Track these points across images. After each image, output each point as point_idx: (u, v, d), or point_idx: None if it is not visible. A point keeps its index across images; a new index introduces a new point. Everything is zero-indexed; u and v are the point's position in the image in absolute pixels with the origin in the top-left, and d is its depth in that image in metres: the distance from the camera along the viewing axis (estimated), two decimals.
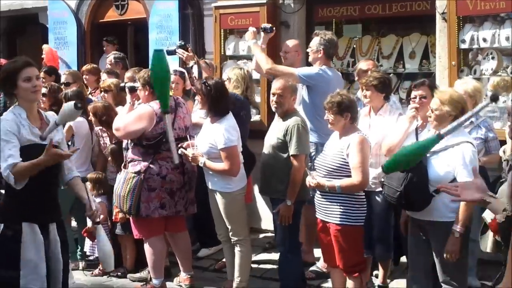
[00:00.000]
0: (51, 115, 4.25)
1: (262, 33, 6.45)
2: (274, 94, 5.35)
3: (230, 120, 5.44)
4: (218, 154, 5.32)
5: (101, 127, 6.42)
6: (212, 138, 5.36)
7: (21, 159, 3.88)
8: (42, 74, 7.82)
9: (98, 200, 6.38)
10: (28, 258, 3.95)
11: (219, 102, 5.41)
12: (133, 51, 9.68)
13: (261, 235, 7.34)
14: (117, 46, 9.20)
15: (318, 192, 5.03)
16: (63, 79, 7.45)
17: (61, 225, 4.26)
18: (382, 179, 4.67)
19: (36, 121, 4.09)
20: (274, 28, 6.49)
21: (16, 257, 3.93)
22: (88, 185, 6.28)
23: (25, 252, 3.95)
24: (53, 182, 4.24)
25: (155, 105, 5.65)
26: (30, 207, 3.99)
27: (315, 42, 6.09)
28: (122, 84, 6.32)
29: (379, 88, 5.33)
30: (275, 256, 6.00)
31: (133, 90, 5.95)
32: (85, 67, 8.04)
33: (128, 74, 6.52)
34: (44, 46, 9.99)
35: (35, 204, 4.00)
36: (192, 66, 6.60)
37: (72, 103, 4.08)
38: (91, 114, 6.34)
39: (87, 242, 6.41)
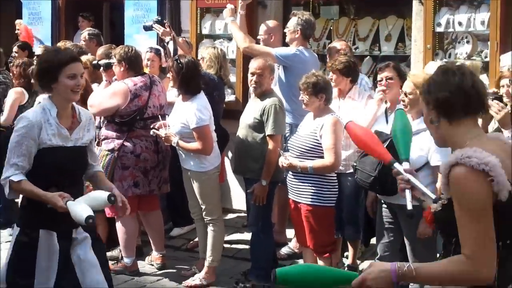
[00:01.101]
0: (84, 113, 3.83)
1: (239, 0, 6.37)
2: (253, 74, 5.33)
3: (202, 99, 5.41)
4: (191, 134, 5.29)
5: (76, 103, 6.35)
6: (184, 118, 5.33)
7: (28, 168, 3.52)
8: (15, 49, 7.73)
9: None
10: (42, 267, 3.60)
11: (190, 81, 5.37)
12: (108, 28, 9.56)
13: (233, 215, 7.34)
14: (92, 22, 9.06)
15: (290, 172, 5.05)
16: (38, 52, 7.31)
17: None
18: (354, 163, 4.68)
19: (66, 120, 3.66)
20: None
21: (32, 265, 3.60)
22: None
23: (40, 260, 3.60)
24: (78, 184, 3.84)
25: (129, 82, 5.62)
26: (50, 213, 3.50)
27: (292, 23, 6.07)
28: (95, 62, 6.23)
29: (344, 72, 5.35)
30: (247, 236, 6.02)
31: (108, 66, 5.89)
32: (61, 44, 7.90)
33: (100, 50, 6.42)
34: (17, 22, 9.84)
35: (56, 211, 3.46)
36: (168, 42, 6.54)
37: (106, 195, 3.53)
38: None
39: None
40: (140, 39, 7.94)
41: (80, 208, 3.39)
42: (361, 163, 4.54)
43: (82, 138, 3.72)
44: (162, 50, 6.79)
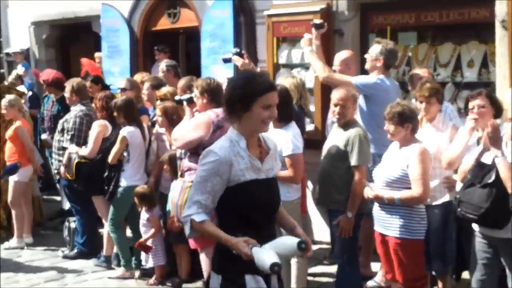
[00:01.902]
0: (270, 141, 3.51)
1: (313, 30, 6.39)
2: (336, 105, 5.29)
3: (294, 127, 5.41)
4: (281, 161, 5.26)
5: (163, 130, 6.46)
6: (277, 145, 5.30)
7: (212, 207, 3.24)
8: (88, 83, 7.92)
9: (147, 215, 6.44)
10: None
11: (283, 108, 5.35)
12: (184, 59, 9.73)
13: (315, 247, 7.25)
14: (168, 54, 9.25)
15: (376, 204, 4.95)
16: (121, 84, 7.48)
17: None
18: (457, 196, 4.54)
19: (255, 150, 3.34)
20: (325, 24, 6.43)
21: None
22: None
23: None
24: (273, 221, 3.45)
25: (212, 113, 5.65)
26: None
27: (375, 50, 6.01)
28: (177, 97, 6.30)
29: (432, 99, 5.22)
30: (331, 268, 5.92)
31: (191, 101, 5.95)
32: (139, 76, 8.07)
33: (182, 82, 6.52)
34: (96, 55, 10.17)
35: None
36: None
37: (295, 242, 3.14)
38: (160, 114, 6.36)
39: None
40: (217, 70, 8.03)
41: (267, 255, 3.06)
42: (466, 195, 4.39)
43: (273, 168, 3.42)
44: None
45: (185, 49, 9.84)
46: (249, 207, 3.24)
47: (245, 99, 3.23)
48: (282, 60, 7.68)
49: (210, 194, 3.22)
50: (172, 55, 9.26)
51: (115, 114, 6.66)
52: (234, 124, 3.33)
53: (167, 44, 9.37)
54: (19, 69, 10.69)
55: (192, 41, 9.52)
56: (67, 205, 8.32)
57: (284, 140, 5.27)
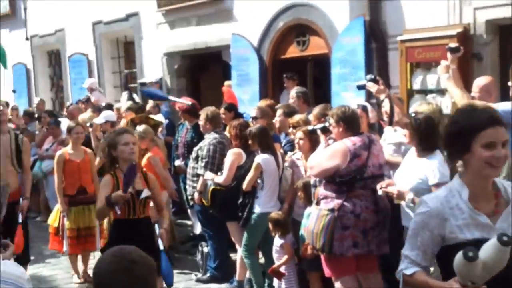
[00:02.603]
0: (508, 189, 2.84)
1: (448, 54, 6.21)
2: None
3: (439, 155, 5.26)
4: (427, 190, 5.11)
5: (299, 156, 6.48)
6: (422, 174, 5.17)
7: (425, 265, 2.85)
8: (222, 111, 8.09)
9: (281, 241, 6.45)
10: None
11: (429, 137, 5.24)
12: (312, 86, 9.77)
13: None
14: (297, 81, 9.31)
15: None
16: (252, 113, 7.61)
17: None
18: None
19: (486, 203, 2.77)
20: (461, 48, 6.22)
21: None
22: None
23: None
24: None
25: (348, 142, 5.61)
26: None
27: None
28: (311, 127, 6.30)
29: None
30: None
31: (326, 130, 5.93)
32: (264, 103, 8.15)
33: (316, 110, 6.53)
34: (226, 83, 10.41)
35: None
36: (383, 100, 6.49)
37: (494, 239, 2.52)
38: (303, 136, 6.36)
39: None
40: (348, 96, 7.99)
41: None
42: None
43: None
44: (369, 106, 6.76)
45: (313, 76, 9.87)
46: None
47: (462, 136, 2.72)
48: (416, 85, 7.54)
49: (420, 250, 2.83)
50: (300, 82, 9.32)
51: (249, 141, 6.77)
52: (459, 171, 2.84)
53: (295, 71, 9.46)
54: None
55: (320, 67, 9.54)
56: (198, 230, 8.52)
57: (429, 169, 5.13)
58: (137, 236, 5.08)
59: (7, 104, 11.91)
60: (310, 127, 6.28)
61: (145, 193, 5.44)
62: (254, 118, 7.51)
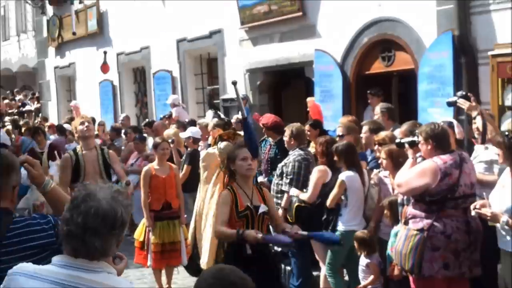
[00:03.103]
0: None
1: None
2: None
3: None
4: None
5: (386, 173, 6.36)
6: None
7: None
8: (307, 127, 8.02)
9: (367, 260, 6.31)
10: None
11: None
12: (397, 102, 9.59)
13: None
14: (381, 98, 9.16)
15: None
16: (338, 131, 7.53)
17: None
18: None
19: None
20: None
21: None
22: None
23: None
24: None
25: (438, 160, 5.44)
26: None
27: None
28: (398, 140, 6.17)
29: None
30: None
31: (413, 144, 5.79)
32: (346, 120, 8.03)
33: (404, 127, 6.40)
34: (309, 99, 10.35)
35: None
36: (475, 117, 6.29)
37: None
38: (385, 157, 6.29)
39: None
40: (435, 112, 7.80)
41: None
42: None
43: None
44: (455, 123, 6.56)
45: (398, 92, 9.69)
46: None
47: None
48: (508, 102, 7.28)
49: None
50: (384, 98, 9.17)
51: (335, 158, 6.69)
52: None
53: (379, 87, 9.31)
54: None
55: (406, 83, 9.36)
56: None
57: None
58: (256, 254, 5.05)
59: (94, 120, 12.28)
60: (397, 140, 6.14)
61: (262, 208, 5.36)
62: (340, 136, 7.43)
